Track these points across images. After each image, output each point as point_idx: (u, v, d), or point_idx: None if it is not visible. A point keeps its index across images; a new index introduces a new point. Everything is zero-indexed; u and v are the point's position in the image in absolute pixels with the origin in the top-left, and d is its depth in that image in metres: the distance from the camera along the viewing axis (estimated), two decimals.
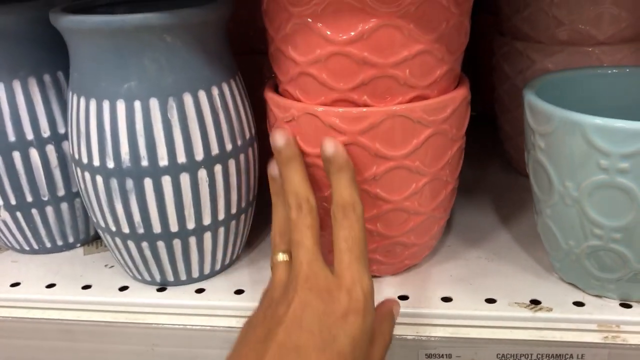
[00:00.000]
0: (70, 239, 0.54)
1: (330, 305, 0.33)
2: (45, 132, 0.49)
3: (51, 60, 0.48)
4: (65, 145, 0.50)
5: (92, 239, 0.56)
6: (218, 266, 0.49)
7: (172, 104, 0.41)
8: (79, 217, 0.53)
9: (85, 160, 0.43)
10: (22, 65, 0.47)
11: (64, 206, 0.52)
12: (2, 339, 0.47)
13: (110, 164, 0.42)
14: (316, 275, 0.34)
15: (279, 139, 0.40)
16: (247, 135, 0.46)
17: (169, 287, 0.48)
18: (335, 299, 0.33)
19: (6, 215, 0.51)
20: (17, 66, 0.47)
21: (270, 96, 0.44)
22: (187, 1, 0.47)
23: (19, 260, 0.54)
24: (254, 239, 0.54)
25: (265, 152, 0.48)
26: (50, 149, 0.49)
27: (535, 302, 0.43)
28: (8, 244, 0.54)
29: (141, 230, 0.44)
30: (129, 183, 0.42)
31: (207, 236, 0.46)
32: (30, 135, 0.48)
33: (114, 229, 0.45)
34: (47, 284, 0.50)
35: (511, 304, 0.43)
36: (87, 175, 0.43)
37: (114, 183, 0.42)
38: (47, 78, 0.48)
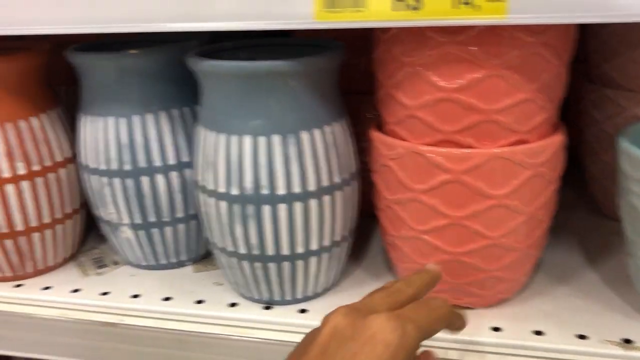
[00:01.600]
0: (183, 257, 0.59)
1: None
2: (171, 160, 0.54)
3: (179, 96, 0.54)
4: (187, 172, 0.55)
5: (200, 258, 0.61)
6: (320, 289, 0.53)
7: (291, 141, 0.46)
8: (191, 237, 0.58)
9: (211, 187, 0.48)
10: (154, 100, 0.53)
11: (181, 227, 0.57)
12: (125, 345, 0.52)
13: (235, 191, 0.47)
14: None
15: None
16: (353, 170, 0.50)
17: (274, 306, 0.52)
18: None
19: (130, 234, 0.57)
20: (150, 101, 0.53)
21: (377, 135, 0.48)
22: (302, 46, 0.52)
23: (137, 274, 0.60)
24: (351, 266, 0.57)
25: (363, 184, 0.52)
26: (173, 175, 0.55)
27: (627, 341, 0.45)
28: (127, 259, 0.60)
29: (256, 252, 0.49)
30: (250, 209, 0.47)
31: (313, 260, 0.50)
32: (158, 163, 0.54)
33: (231, 249, 0.50)
34: (163, 297, 0.55)
35: (602, 341, 0.45)
36: (211, 200, 0.49)
37: (236, 208, 0.47)
38: (174, 112, 0.54)
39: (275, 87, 0.45)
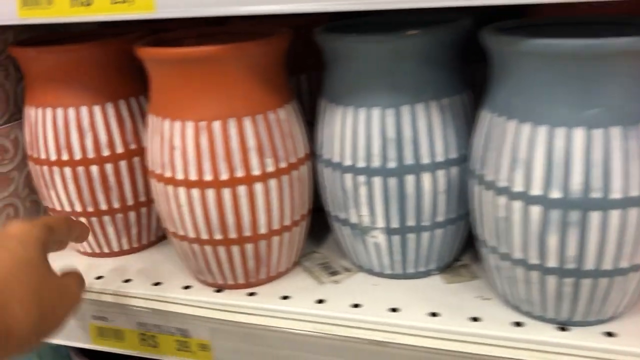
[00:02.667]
0: (431, 266, 0.53)
1: None
2: (439, 157, 0.47)
3: (450, 83, 0.48)
4: (453, 170, 0.48)
5: (445, 267, 0.54)
6: (626, 308, 0.45)
7: (633, 134, 0.38)
8: (446, 244, 0.52)
9: (518, 188, 0.41)
10: (427, 88, 0.47)
11: (439, 232, 0.50)
12: None
13: (555, 194, 0.40)
14: None
15: None
16: None
17: (571, 327, 0.45)
18: None
19: (381, 238, 0.50)
20: (422, 89, 0.46)
21: None
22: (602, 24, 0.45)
23: (379, 283, 0.53)
24: None
25: None
26: (440, 174, 0.48)
27: None
28: (366, 264, 0.54)
29: (571, 266, 0.41)
30: (573, 215, 0.40)
31: (636, 276, 0.42)
32: (426, 159, 0.47)
33: (534, 262, 0.42)
34: (428, 312, 0.48)
35: None
36: (516, 204, 0.41)
37: (554, 214, 0.40)
38: (445, 102, 0.47)
39: (619, 69, 0.37)
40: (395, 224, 0.49)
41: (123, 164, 0.57)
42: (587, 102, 0.38)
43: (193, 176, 0.48)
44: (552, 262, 0.42)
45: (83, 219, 0.58)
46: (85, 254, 0.62)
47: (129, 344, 0.55)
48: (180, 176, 0.49)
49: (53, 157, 0.55)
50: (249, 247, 0.51)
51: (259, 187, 0.49)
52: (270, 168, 0.49)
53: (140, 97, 0.58)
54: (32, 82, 0.56)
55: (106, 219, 0.58)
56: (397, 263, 0.52)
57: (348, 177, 0.49)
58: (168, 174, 0.49)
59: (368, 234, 0.51)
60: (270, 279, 0.54)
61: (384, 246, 0.51)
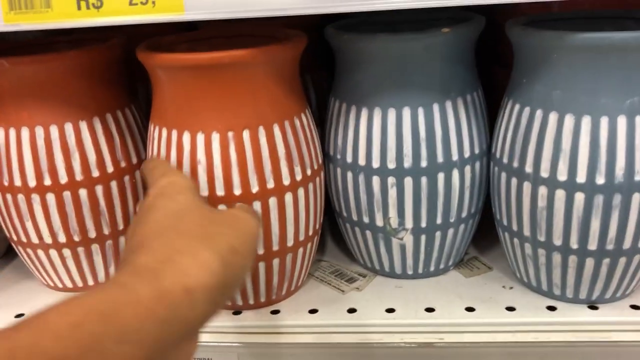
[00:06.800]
0: (450, 262, 0.53)
1: None
2: (466, 153, 0.48)
3: (470, 80, 0.49)
4: (477, 165, 0.49)
5: (459, 262, 0.55)
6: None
7: None
8: (464, 238, 0.52)
9: (561, 177, 0.43)
10: (453, 86, 0.47)
11: (462, 228, 0.51)
12: None
13: (600, 180, 0.42)
14: None
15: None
16: None
17: (600, 305, 0.48)
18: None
19: (409, 239, 0.50)
20: (450, 87, 0.47)
21: None
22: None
23: (403, 285, 0.53)
24: None
25: None
26: (467, 170, 0.49)
27: None
28: (386, 267, 0.53)
29: (610, 247, 0.44)
30: (616, 199, 0.42)
31: None
32: (455, 156, 0.48)
33: (575, 246, 0.44)
34: (464, 307, 0.49)
35: None
36: (560, 193, 0.43)
37: (598, 199, 0.42)
38: (469, 98, 0.48)
39: None
40: (424, 223, 0.49)
41: (114, 185, 0.51)
42: (629, 92, 0.41)
43: (220, 191, 0.44)
44: (592, 245, 0.44)
45: (67, 251, 0.51)
46: (65, 289, 0.55)
47: None
48: (204, 192, 0.45)
49: (32, 183, 0.49)
50: (276, 261, 0.48)
51: (288, 198, 0.46)
52: (299, 177, 0.47)
53: (125, 109, 0.52)
54: None
55: (95, 247, 0.52)
56: (421, 262, 0.52)
57: (376, 179, 0.48)
58: None
59: (395, 235, 0.50)
60: (288, 294, 0.52)
61: (410, 247, 0.51)
